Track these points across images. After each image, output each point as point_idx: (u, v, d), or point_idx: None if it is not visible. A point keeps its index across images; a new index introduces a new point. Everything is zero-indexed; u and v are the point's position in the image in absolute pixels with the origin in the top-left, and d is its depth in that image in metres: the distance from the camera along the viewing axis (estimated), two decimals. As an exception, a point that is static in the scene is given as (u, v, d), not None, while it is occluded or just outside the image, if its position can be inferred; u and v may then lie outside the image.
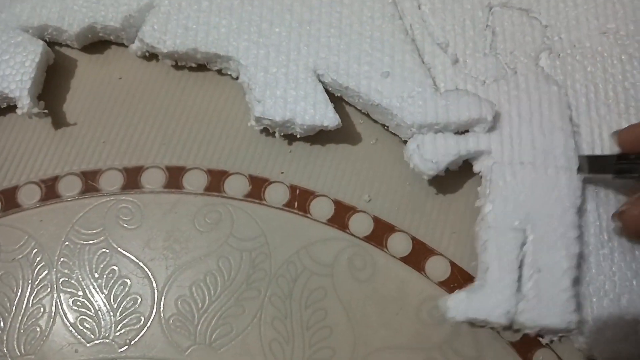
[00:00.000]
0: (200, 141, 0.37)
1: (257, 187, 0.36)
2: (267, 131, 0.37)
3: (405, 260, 0.34)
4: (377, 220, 0.35)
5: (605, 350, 0.31)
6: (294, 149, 0.37)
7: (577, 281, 0.32)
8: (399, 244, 0.35)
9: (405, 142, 0.36)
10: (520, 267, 0.32)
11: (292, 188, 0.36)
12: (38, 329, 0.33)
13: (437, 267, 0.34)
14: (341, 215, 0.35)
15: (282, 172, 0.36)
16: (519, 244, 0.32)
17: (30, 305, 0.34)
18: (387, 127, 0.37)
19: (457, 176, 0.36)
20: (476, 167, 0.35)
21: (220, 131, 0.37)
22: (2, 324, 0.33)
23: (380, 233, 0.35)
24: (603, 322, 0.31)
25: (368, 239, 0.35)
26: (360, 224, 0.35)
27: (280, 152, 0.37)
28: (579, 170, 0.34)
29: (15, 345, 0.33)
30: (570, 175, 0.33)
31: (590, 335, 0.31)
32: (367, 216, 0.35)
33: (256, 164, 0.36)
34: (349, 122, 0.37)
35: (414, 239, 0.35)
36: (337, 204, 0.35)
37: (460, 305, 0.31)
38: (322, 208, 0.35)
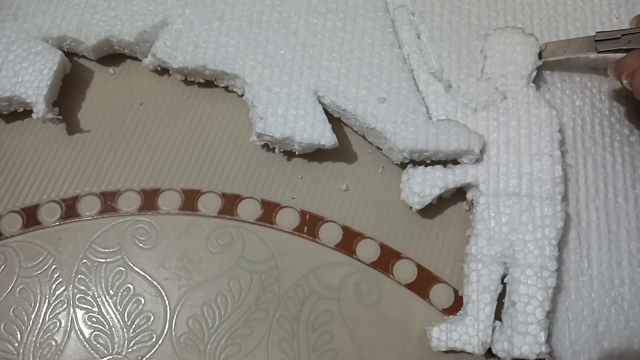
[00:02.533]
0: (215, 166, 0.38)
1: (269, 211, 0.37)
2: (269, 148, 0.38)
3: (410, 287, 0.35)
4: (383, 247, 0.36)
5: None
6: (305, 175, 0.38)
7: (550, 313, 0.33)
8: (405, 270, 0.36)
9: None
10: (500, 298, 0.34)
11: (303, 213, 0.37)
12: (53, 343, 0.34)
13: (441, 295, 0.35)
14: (349, 241, 0.36)
15: (293, 198, 0.37)
16: (498, 276, 0.34)
17: (46, 319, 0.35)
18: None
19: (462, 206, 0.37)
20: (469, 196, 0.37)
21: (235, 156, 0.38)
22: (18, 337, 0.34)
23: (386, 259, 0.36)
24: (580, 346, 0.33)
25: (374, 265, 0.36)
26: (367, 250, 0.36)
27: (291, 178, 0.38)
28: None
29: (32, 358, 0.34)
30: (554, 208, 0.34)
31: (567, 358, 0.33)
32: (374, 242, 0.36)
33: (268, 189, 0.38)
34: (357, 151, 0.39)
35: (419, 266, 0.36)
36: (345, 229, 0.37)
37: (442, 335, 0.33)
38: (330, 233, 0.37)
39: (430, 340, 0.33)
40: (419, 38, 0.39)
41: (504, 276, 0.34)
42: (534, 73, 0.38)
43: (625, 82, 0.34)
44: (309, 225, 0.37)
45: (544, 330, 0.32)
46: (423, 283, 0.35)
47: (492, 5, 0.41)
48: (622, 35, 0.35)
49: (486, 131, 0.36)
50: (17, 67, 0.38)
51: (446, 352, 0.34)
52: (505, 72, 0.38)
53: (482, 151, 0.36)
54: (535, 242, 0.34)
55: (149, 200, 0.37)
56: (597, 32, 0.36)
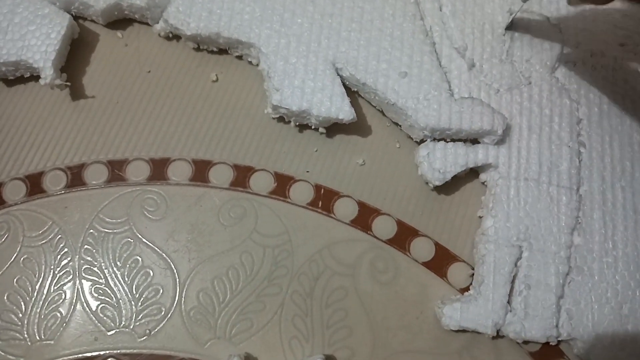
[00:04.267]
0: (227, 136, 0.37)
1: (282, 185, 0.36)
2: (283, 120, 0.37)
3: (427, 265, 0.34)
4: (400, 224, 0.35)
5: (603, 357, 0.32)
6: (320, 149, 0.37)
7: (562, 297, 0.33)
8: (422, 248, 0.35)
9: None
10: (512, 280, 0.33)
11: (317, 187, 0.36)
12: (58, 315, 0.33)
13: (459, 274, 0.34)
14: (365, 217, 0.35)
15: (308, 171, 0.36)
16: (514, 259, 0.33)
17: (51, 291, 0.34)
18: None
19: (483, 185, 0.36)
20: (482, 177, 0.36)
21: (248, 127, 0.37)
22: (23, 308, 0.33)
23: (403, 237, 0.35)
24: (603, 329, 0.32)
25: (391, 242, 0.35)
26: (384, 227, 0.35)
27: (306, 150, 0.37)
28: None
29: (35, 330, 0.33)
30: (570, 196, 0.34)
31: (589, 341, 0.32)
32: (391, 219, 0.35)
33: (282, 162, 0.36)
34: (374, 124, 0.37)
35: (437, 244, 0.35)
36: (361, 205, 0.36)
37: (454, 314, 0.32)
38: (346, 208, 0.35)
39: (442, 319, 0.33)
40: (441, 10, 0.38)
41: (517, 259, 0.33)
42: (558, 64, 0.37)
43: None
44: (324, 199, 0.36)
45: (555, 314, 0.32)
46: (441, 261, 0.34)
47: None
48: None
49: (509, 114, 0.36)
50: (24, 30, 0.36)
51: (457, 331, 0.33)
52: (530, 57, 0.37)
53: (504, 133, 0.35)
54: (550, 228, 0.34)
55: (158, 170, 0.36)
56: None
